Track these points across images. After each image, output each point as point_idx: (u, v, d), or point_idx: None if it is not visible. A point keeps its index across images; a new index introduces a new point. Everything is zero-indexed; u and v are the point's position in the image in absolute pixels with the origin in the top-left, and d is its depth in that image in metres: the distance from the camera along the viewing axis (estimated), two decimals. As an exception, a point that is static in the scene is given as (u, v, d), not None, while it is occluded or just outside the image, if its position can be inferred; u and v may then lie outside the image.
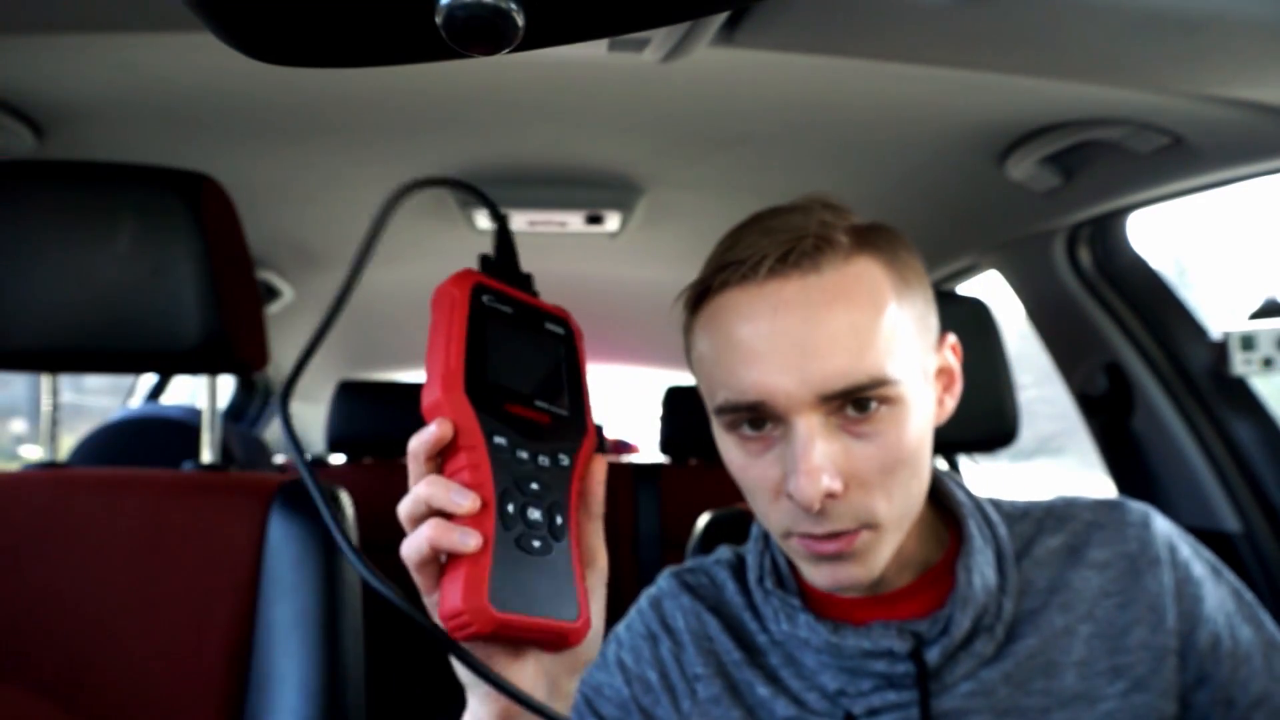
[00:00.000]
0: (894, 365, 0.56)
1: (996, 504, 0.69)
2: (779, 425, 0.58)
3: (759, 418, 0.58)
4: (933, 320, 0.63)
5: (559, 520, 0.47)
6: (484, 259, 0.52)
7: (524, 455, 0.47)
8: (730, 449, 0.61)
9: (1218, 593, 0.63)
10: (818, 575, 0.60)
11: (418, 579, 0.45)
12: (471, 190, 0.53)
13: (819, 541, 0.58)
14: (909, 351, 0.58)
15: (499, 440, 0.45)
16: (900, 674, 0.61)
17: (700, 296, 0.62)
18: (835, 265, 0.57)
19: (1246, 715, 0.59)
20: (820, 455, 0.55)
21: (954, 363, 0.65)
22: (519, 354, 0.49)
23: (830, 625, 0.63)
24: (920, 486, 0.61)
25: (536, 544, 0.45)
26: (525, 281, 0.53)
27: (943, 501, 0.68)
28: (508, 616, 0.42)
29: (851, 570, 0.59)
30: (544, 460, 0.48)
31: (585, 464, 0.50)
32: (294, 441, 0.44)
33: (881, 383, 0.55)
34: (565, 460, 0.49)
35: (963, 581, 0.62)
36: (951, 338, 0.65)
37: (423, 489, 0.44)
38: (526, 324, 0.51)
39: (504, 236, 0.53)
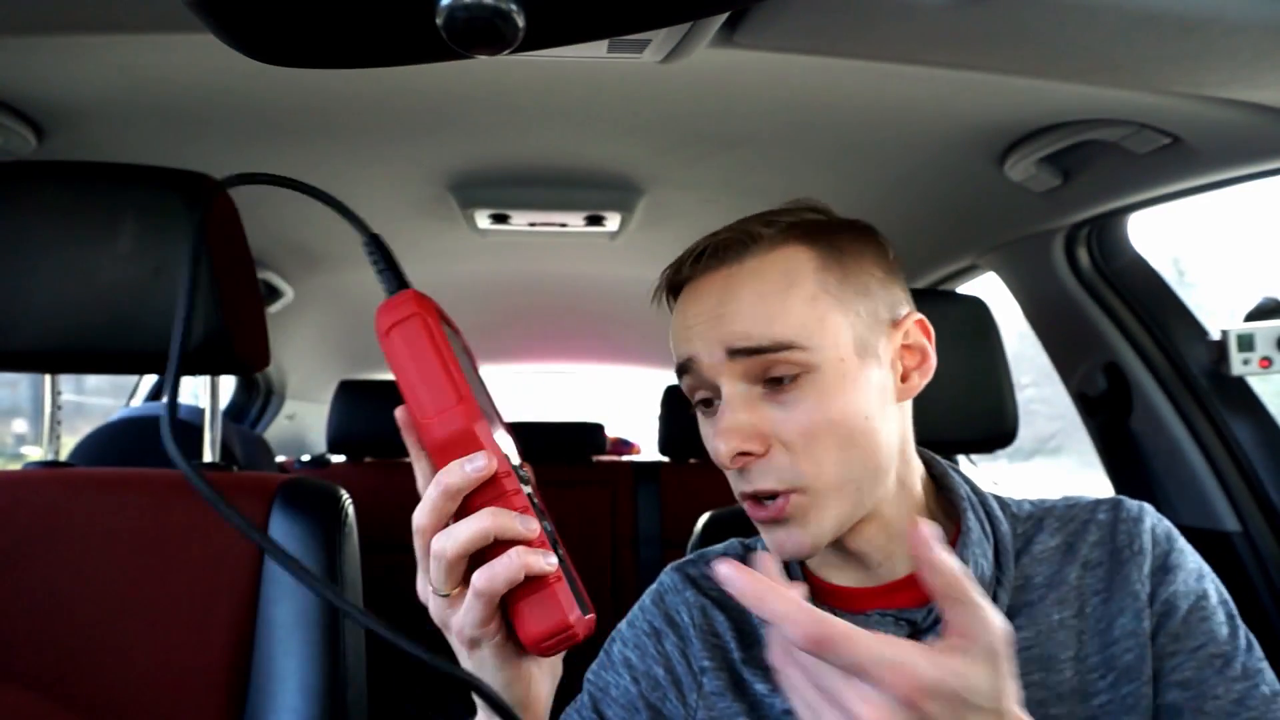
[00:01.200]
0: (805, 335, 0.60)
1: (1003, 503, 0.70)
2: (719, 398, 0.63)
3: (706, 396, 0.65)
4: (888, 301, 0.66)
5: (549, 526, 0.49)
6: (391, 276, 0.51)
7: (523, 473, 0.49)
8: (700, 424, 0.68)
9: (1194, 585, 0.63)
10: (767, 541, 0.64)
11: (482, 611, 0.46)
12: (327, 199, 0.52)
13: (755, 505, 0.62)
14: (833, 327, 0.62)
15: (514, 462, 0.47)
16: None
17: (671, 300, 0.70)
18: (757, 255, 0.63)
19: (1164, 692, 0.59)
20: (733, 418, 0.60)
21: (923, 340, 0.67)
22: (473, 371, 0.50)
23: (828, 611, 0.65)
24: (863, 458, 0.62)
25: (560, 552, 0.48)
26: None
27: (947, 494, 0.70)
28: (589, 619, 0.46)
29: (792, 535, 0.61)
30: (524, 472, 0.49)
31: None
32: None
33: (786, 346, 0.60)
34: (525, 467, 0.51)
35: None
36: (917, 315, 0.67)
37: (488, 522, 0.45)
38: (458, 338, 0.51)
39: (385, 250, 0.53)
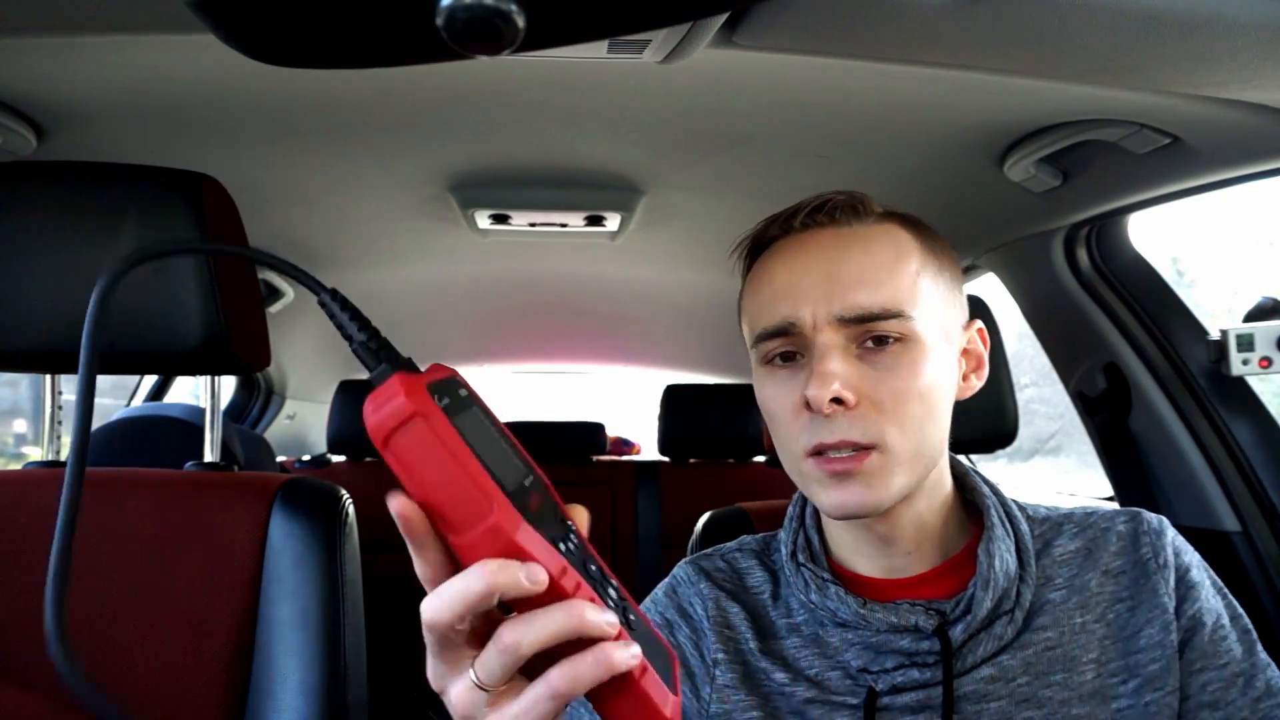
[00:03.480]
0: (911, 305, 0.63)
1: (1020, 506, 0.72)
2: (806, 353, 0.64)
3: (790, 350, 0.65)
4: (961, 304, 0.70)
5: (613, 585, 0.44)
6: (372, 351, 0.43)
7: (569, 548, 0.42)
8: (764, 382, 0.68)
9: (1214, 602, 0.65)
10: (827, 498, 0.64)
11: (551, 714, 0.40)
12: (294, 271, 0.45)
13: (823, 460, 0.62)
14: (931, 308, 0.65)
15: (561, 547, 0.41)
16: (924, 651, 0.63)
17: (751, 256, 0.71)
18: (865, 223, 0.66)
19: (1194, 711, 0.62)
20: (832, 365, 0.61)
21: (981, 348, 0.71)
22: (491, 441, 0.41)
23: (859, 600, 0.66)
24: (936, 432, 0.64)
25: (633, 617, 0.44)
26: (410, 362, 0.43)
27: (968, 495, 0.71)
28: (676, 700, 0.43)
29: (859, 492, 0.62)
30: (574, 539, 0.43)
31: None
32: None
33: (896, 314, 0.62)
34: (572, 524, 0.45)
35: (984, 564, 0.65)
36: (979, 323, 0.71)
37: (574, 622, 0.39)
38: (474, 403, 0.43)
39: (356, 311, 0.45)
